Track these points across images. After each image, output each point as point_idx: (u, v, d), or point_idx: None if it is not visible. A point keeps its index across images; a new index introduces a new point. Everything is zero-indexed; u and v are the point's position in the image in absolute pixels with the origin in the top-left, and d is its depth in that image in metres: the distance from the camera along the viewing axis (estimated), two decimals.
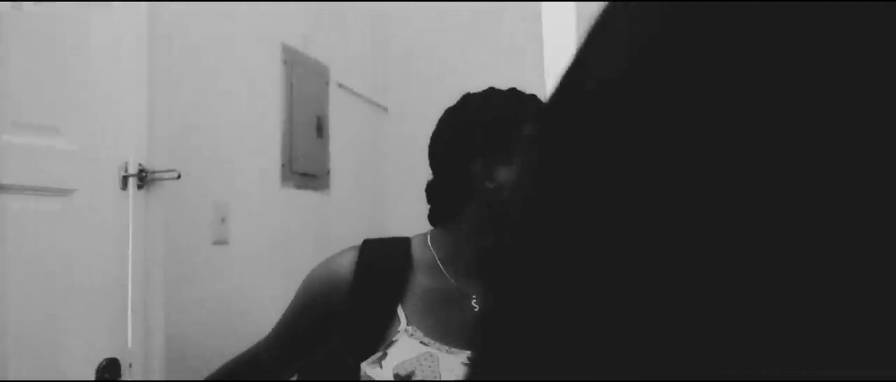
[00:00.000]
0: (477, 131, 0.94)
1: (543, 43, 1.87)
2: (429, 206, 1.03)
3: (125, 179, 1.46)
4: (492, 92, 0.98)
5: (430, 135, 1.02)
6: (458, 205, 0.96)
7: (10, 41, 1.23)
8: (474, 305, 0.97)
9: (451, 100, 2.60)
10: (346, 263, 0.97)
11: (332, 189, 2.34)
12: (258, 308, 1.86)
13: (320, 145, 2.27)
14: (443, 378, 0.87)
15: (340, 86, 2.43)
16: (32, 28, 1.27)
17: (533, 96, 0.97)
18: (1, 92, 1.21)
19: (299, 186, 2.12)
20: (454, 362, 0.89)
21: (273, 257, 1.97)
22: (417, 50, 2.78)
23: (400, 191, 2.75)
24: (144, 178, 1.48)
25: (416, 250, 0.99)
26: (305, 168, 2.15)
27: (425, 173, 3.04)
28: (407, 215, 2.63)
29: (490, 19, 2.66)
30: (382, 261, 0.97)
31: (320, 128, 2.26)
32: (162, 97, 1.54)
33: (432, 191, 1.01)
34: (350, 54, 2.52)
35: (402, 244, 1.00)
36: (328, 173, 2.32)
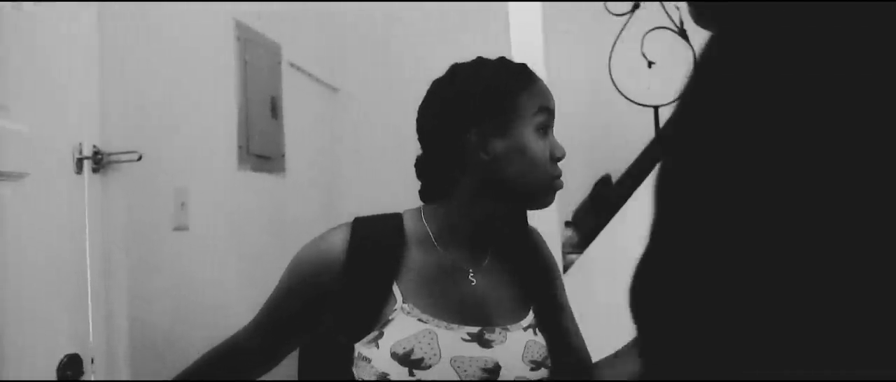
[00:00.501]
0: (469, 102, 0.91)
1: (509, 24, 1.87)
2: (420, 183, 1.00)
3: (80, 162, 1.36)
4: (481, 61, 0.96)
5: (418, 108, 0.99)
6: (451, 179, 0.94)
7: None
8: (471, 279, 0.95)
9: (406, 83, 2.58)
10: (338, 241, 0.93)
11: (288, 172, 2.27)
12: (221, 295, 1.79)
13: (275, 126, 2.19)
14: (443, 355, 0.86)
15: (292, 65, 2.35)
16: None
17: (523, 66, 0.96)
18: None
19: (256, 169, 2.04)
20: (454, 338, 0.87)
21: (231, 242, 1.89)
22: (369, 30, 2.72)
23: (354, 174, 2.70)
24: (100, 161, 1.39)
25: (409, 226, 0.96)
26: (261, 150, 2.07)
27: (379, 155, 3.03)
28: (362, 197, 2.59)
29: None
30: (375, 238, 0.93)
31: (274, 109, 2.18)
32: (115, 75, 1.44)
33: (423, 166, 0.99)
34: (301, 33, 2.44)
35: (395, 220, 0.97)
36: (283, 156, 2.24)
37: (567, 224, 2.00)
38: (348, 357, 0.91)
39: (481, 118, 0.90)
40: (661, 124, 2.10)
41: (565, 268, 1.74)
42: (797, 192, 0.24)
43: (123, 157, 1.40)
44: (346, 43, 2.74)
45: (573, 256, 1.83)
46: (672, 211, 0.31)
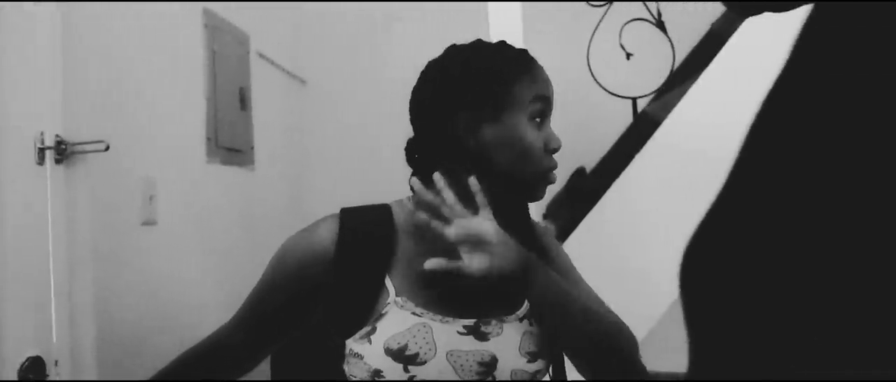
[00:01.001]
0: (460, 84, 0.88)
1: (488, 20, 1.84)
2: (409, 166, 0.96)
3: (42, 152, 1.28)
4: (479, 44, 0.93)
5: (412, 88, 0.95)
6: (443, 162, 0.90)
7: None
8: None
9: (375, 77, 2.53)
10: (327, 233, 0.89)
11: (257, 165, 2.20)
12: (190, 291, 1.73)
13: (244, 118, 2.12)
14: (439, 350, 0.83)
15: (261, 56, 2.28)
16: None
17: (522, 51, 0.93)
18: None
19: (225, 162, 1.97)
20: (449, 332, 0.85)
21: (200, 237, 1.82)
22: (340, 24, 2.66)
23: (323, 168, 2.65)
24: (64, 151, 1.31)
25: (399, 216, 0.93)
26: (230, 142, 2.00)
27: (347, 149, 2.98)
28: (330, 191, 2.53)
29: None
30: (365, 230, 0.89)
31: (243, 100, 2.12)
32: (79, 62, 1.37)
33: (413, 150, 0.95)
34: (270, 23, 2.38)
35: (383, 210, 0.93)
36: (252, 148, 2.18)
37: (544, 216, 2.00)
38: (339, 355, 0.87)
39: (472, 102, 0.87)
40: (638, 115, 2.11)
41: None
42: (878, 199, 0.23)
43: (89, 147, 1.32)
44: (316, 35, 2.68)
45: None
46: (745, 191, 0.29)
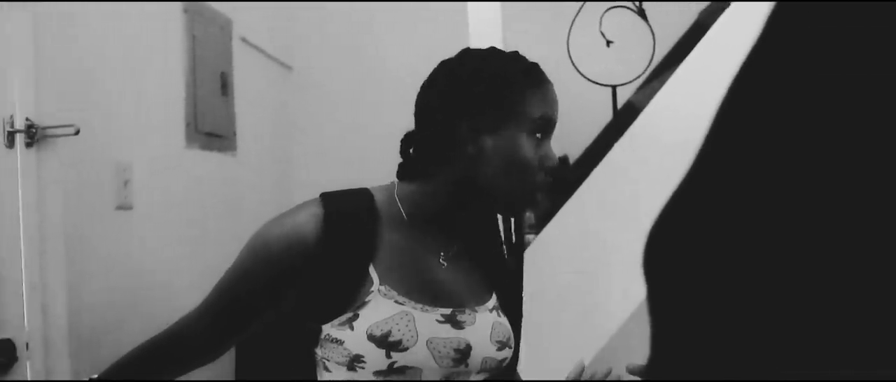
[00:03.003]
0: (467, 91, 0.88)
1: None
2: (402, 158, 0.96)
3: (11, 135, 1.28)
4: (493, 52, 0.93)
5: (422, 84, 0.94)
6: (437, 163, 0.90)
7: None
8: (442, 262, 0.93)
9: (360, 65, 2.53)
10: (310, 219, 0.87)
11: (239, 151, 2.20)
12: (167, 278, 1.72)
13: (226, 104, 2.11)
14: (420, 337, 0.84)
15: (244, 40, 2.27)
16: None
17: (533, 66, 0.92)
18: None
19: (205, 147, 1.97)
20: (429, 320, 0.86)
21: (179, 223, 1.82)
22: (324, 10, 2.65)
23: (307, 153, 2.64)
24: (35, 135, 1.30)
25: (382, 204, 0.92)
26: (211, 127, 1.99)
27: (332, 135, 2.98)
28: (315, 177, 2.53)
29: None
30: (349, 216, 0.88)
31: (225, 86, 2.11)
32: (51, 43, 1.36)
33: (411, 143, 0.94)
34: (254, 8, 2.36)
35: (365, 196, 0.93)
36: (234, 134, 2.17)
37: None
38: (311, 339, 0.87)
39: (475, 111, 0.87)
40: (620, 104, 2.11)
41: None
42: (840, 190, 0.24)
43: (59, 131, 1.32)
44: (302, 22, 2.67)
45: (530, 236, 1.83)
46: (708, 174, 0.30)
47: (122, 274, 1.54)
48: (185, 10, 1.87)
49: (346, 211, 0.89)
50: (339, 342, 0.84)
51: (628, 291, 1.67)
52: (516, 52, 0.93)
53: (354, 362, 0.83)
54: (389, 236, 0.90)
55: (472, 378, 0.90)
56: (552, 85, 0.92)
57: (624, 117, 2.02)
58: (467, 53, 0.93)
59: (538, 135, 0.88)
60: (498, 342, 0.91)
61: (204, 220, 1.94)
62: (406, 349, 0.82)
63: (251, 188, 2.27)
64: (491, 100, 0.87)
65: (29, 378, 1.29)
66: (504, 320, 0.95)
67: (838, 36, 0.26)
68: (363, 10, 2.59)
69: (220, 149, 2.07)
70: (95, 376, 0.96)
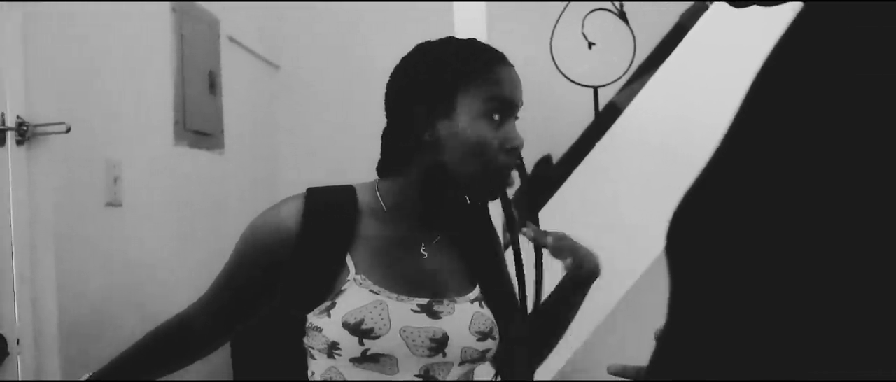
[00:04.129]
0: (418, 79, 0.91)
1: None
2: (381, 155, 0.99)
3: (2, 133, 1.29)
4: (449, 40, 0.95)
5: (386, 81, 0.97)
6: (405, 155, 0.94)
7: None
8: (422, 253, 0.96)
9: (347, 65, 2.54)
10: (293, 212, 0.92)
11: (227, 148, 2.21)
12: (157, 273, 1.74)
13: (213, 102, 2.13)
14: (393, 325, 0.87)
15: (232, 40, 2.28)
16: None
17: (488, 49, 0.93)
18: None
19: (194, 145, 1.98)
20: (404, 309, 0.89)
21: (168, 219, 1.84)
22: (311, 9, 2.67)
23: (295, 152, 2.66)
24: (25, 133, 1.32)
25: (363, 198, 0.96)
26: (199, 125, 2.01)
27: (319, 133, 2.99)
28: (303, 175, 2.55)
29: None
30: (329, 209, 0.93)
31: (213, 84, 2.12)
32: (42, 42, 1.37)
33: (383, 139, 0.98)
34: (241, 7, 2.38)
35: (348, 192, 0.96)
36: (222, 132, 2.19)
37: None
38: (299, 329, 0.91)
39: (427, 98, 0.90)
40: (602, 105, 2.15)
41: (506, 245, 1.77)
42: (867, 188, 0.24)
43: (50, 129, 1.33)
44: (289, 21, 2.68)
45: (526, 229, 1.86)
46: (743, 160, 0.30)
47: (112, 269, 1.56)
48: (174, 10, 1.89)
49: (327, 204, 0.93)
50: (318, 330, 0.88)
51: (606, 290, 1.71)
52: (473, 40, 0.94)
53: (332, 349, 0.87)
54: (369, 228, 0.93)
55: (455, 369, 0.92)
56: (510, 67, 0.92)
57: (606, 118, 2.07)
58: (421, 45, 0.95)
59: (495, 117, 0.88)
60: (478, 332, 0.92)
61: (192, 217, 1.96)
62: (378, 337, 0.85)
63: (238, 186, 2.29)
64: (439, 86, 0.88)
65: (19, 374, 1.30)
66: (486, 311, 0.96)
67: (869, 34, 0.26)
68: (351, 10, 2.61)
69: (208, 147, 2.09)
70: (90, 374, 0.99)
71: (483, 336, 0.93)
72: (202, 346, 1.02)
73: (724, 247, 0.28)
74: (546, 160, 2.36)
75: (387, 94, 0.96)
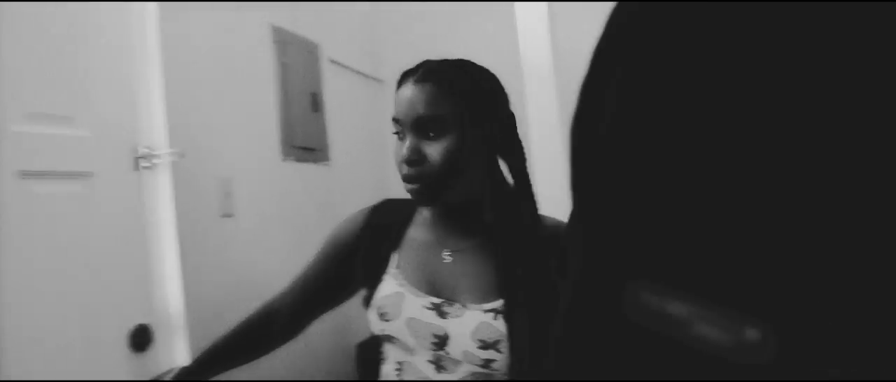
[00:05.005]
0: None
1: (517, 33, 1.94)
2: None
3: (137, 161, 1.59)
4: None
5: None
6: None
7: (25, 38, 1.35)
8: (444, 258, 1.05)
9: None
10: (360, 216, 1.14)
11: (333, 161, 2.46)
12: (266, 275, 2.00)
13: (317, 119, 2.38)
14: (403, 315, 1.00)
15: (333, 61, 2.53)
16: (43, 24, 1.39)
17: (407, 70, 1.06)
18: (15, 85, 1.33)
19: (300, 159, 2.24)
20: (417, 304, 1.01)
21: (278, 227, 2.10)
22: (412, 22, 2.87)
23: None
24: (152, 159, 1.61)
25: (421, 209, 1.12)
26: (304, 142, 2.26)
27: None
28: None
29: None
30: (387, 217, 1.12)
31: (316, 104, 2.37)
32: (165, 86, 1.66)
33: None
34: (340, 30, 2.62)
35: (410, 204, 1.12)
36: (327, 146, 2.43)
37: None
38: (368, 301, 1.09)
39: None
40: None
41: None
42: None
43: (171, 156, 1.62)
44: (390, 36, 2.91)
45: None
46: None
47: (226, 272, 1.83)
48: (275, 42, 2.15)
49: (388, 211, 1.13)
50: (371, 304, 1.06)
51: None
52: (424, 61, 1.07)
53: (371, 323, 1.05)
54: (414, 233, 1.09)
55: (463, 366, 0.98)
56: (411, 85, 1.01)
57: None
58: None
59: (396, 134, 1.01)
60: (480, 341, 0.95)
61: (300, 223, 2.21)
62: (389, 320, 1.01)
63: (344, 195, 2.52)
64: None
65: (159, 357, 1.59)
66: (499, 324, 0.95)
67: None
68: (451, 19, 2.78)
69: (315, 161, 2.34)
70: (182, 366, 1.20)
71: (485, 345, 0.95)
72: (284, 329, 1.20)
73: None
74: None
75: None
